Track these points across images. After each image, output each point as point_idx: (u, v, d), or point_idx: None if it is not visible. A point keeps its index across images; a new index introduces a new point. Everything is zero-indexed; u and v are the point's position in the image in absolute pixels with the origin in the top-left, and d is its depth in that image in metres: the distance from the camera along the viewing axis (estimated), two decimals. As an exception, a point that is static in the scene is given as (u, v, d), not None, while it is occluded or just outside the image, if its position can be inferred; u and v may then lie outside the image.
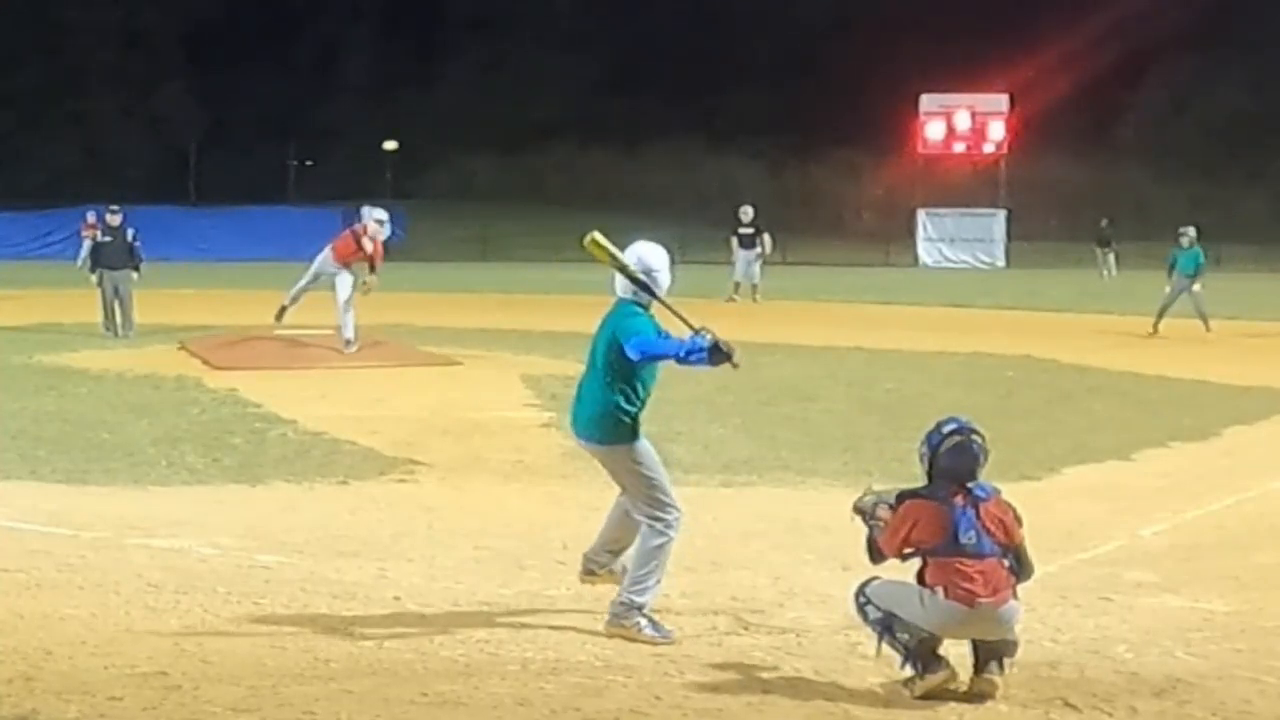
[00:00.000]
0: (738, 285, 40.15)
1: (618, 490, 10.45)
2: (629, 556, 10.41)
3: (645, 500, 10.21)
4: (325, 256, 26.28)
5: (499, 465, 15.85)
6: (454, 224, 64.45)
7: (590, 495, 12.60)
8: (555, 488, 14.77)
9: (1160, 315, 33.11)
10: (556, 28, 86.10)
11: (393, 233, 62.53)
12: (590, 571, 10.58)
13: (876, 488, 9.42)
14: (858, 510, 9.31)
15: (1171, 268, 34.19)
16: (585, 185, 72.18)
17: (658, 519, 10.08)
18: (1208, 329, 32.81)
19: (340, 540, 12.84)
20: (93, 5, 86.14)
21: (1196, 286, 33.25)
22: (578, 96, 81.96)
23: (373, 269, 26.10)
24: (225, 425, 18.54)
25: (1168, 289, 34.00)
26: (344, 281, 25.73)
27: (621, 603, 9.96)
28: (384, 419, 18.88)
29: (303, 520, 13.65)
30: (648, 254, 10.37)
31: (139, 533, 12.91)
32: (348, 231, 27.02)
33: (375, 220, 26.37)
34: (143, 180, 66.30)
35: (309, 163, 78.71)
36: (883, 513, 9.07)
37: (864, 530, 9.26)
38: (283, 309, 26.58)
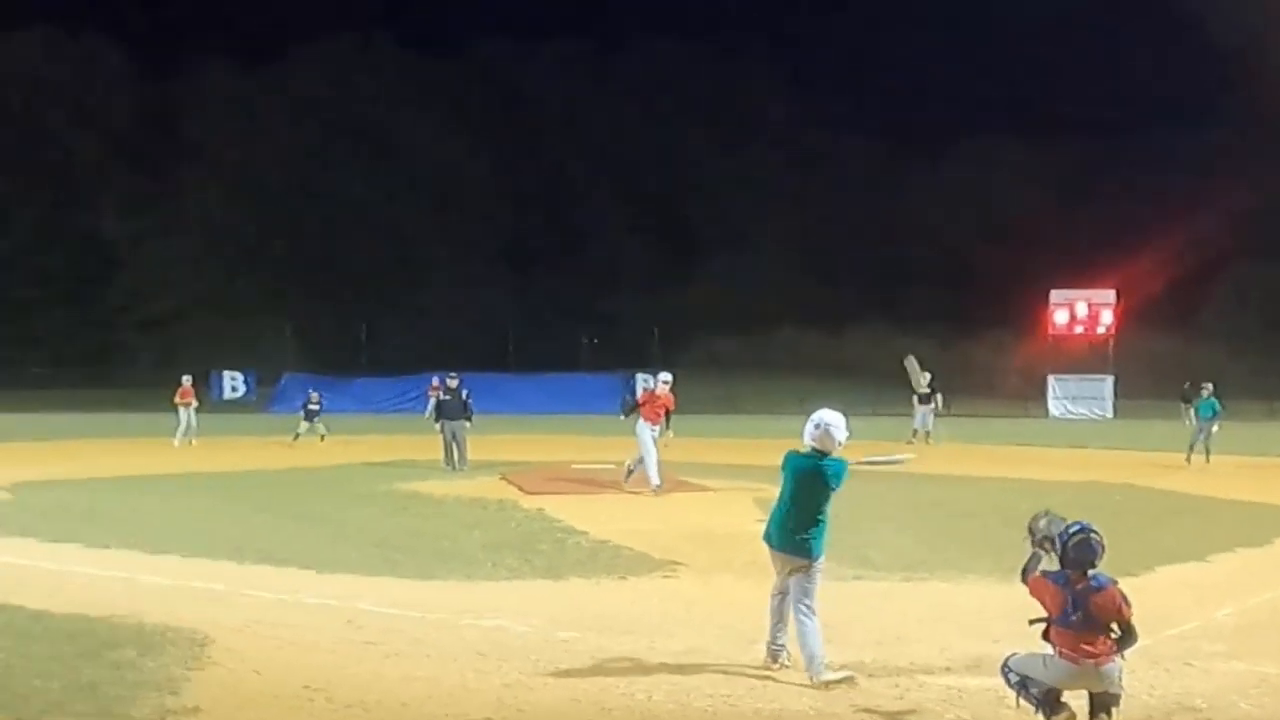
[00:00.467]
0: (915, 432, 40.08)
1: (775, 588, 11.01)
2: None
3: (813, 595, 10.64)
4: (641, 426, 25.18)
5: (738, 566, 15.58)
6: (705, 386, 64.53)
7: None
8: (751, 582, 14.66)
9: (1191, 449, 32.61)
10: (779, 241, 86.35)
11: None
12: (774, 656, 10.84)
13: (1045, 522, 9.37)
14: (1030, 529, 9.45)
15: (1196, 412, 34.11)
16: (802, 357, 72.10)
17: (812, 607, 10.57)
18: (1208, 460, 32.17)
19: (620, 621, 12.85)
20: (438, 223, 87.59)
21: (1215, 427, 32.67)
22: (796, 290, 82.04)
23: (668, 422, 25.66)
24: (535, 536, 18.53)
25: (1187, 423, 34.76)
26: (645, 435, 24.93)
27: (813, 664, 10.35)
28: (654, 531, 18.76)
29: (593, 606, 13.67)
30: (828, 415, 10.78)
31: (470, 615, 12.98)
32: (647, 394, 26.70)
33: (663, 381, 26.22)
34: (473, 353, 66.83)
35: (595, 340, 79.29)
36: (1042, 551, 9.24)
37: (1026, 553, 9.50)
38: (629, 472, 24.97)
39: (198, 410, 38.90)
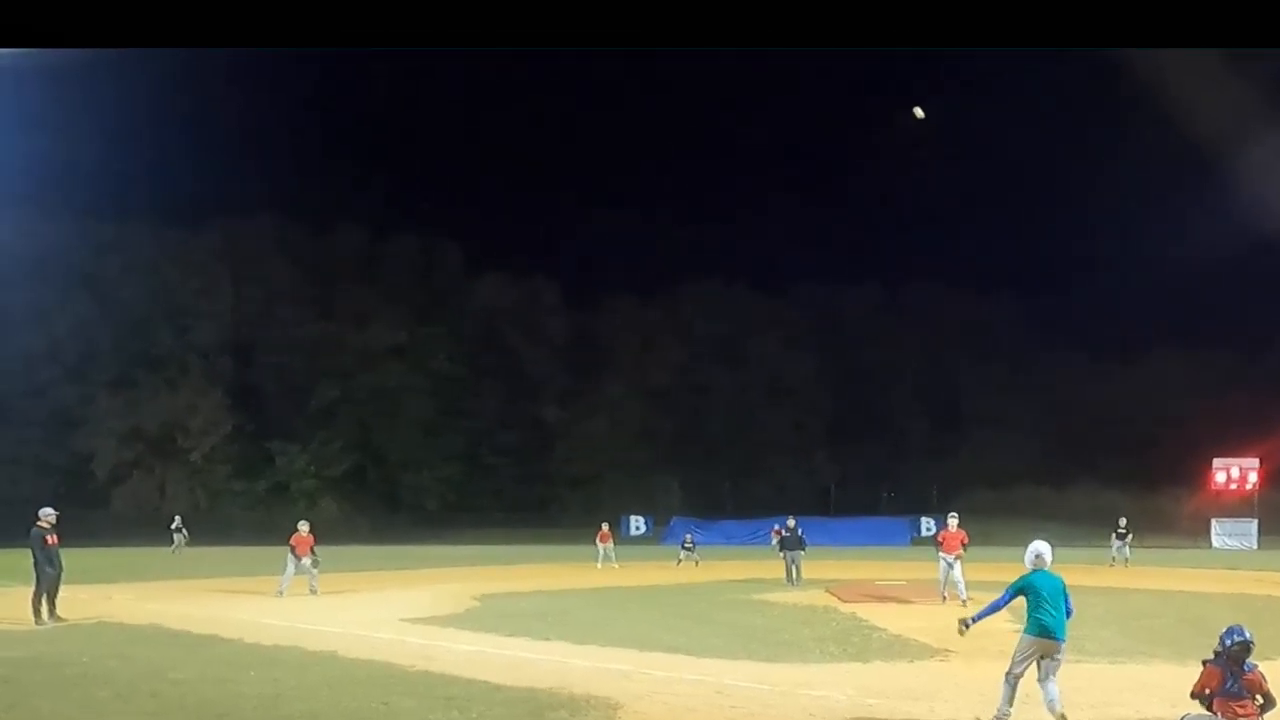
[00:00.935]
0: (1113, 559, 38.42)
1: (1013, 671, 11.25)
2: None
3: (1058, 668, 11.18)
4: (941, 556, 24.32)
5: (992, 652, 15.29)
6: (968, 526, 62.83)
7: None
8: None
9: None
10: (1022, 421, 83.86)
11: (937, 529, 60.97)
12: None
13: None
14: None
15: None
16: (1036, 505, 69.15)
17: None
18: None
19: (910, 691, 12.82)
20: (777, 410, 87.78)
21: None
22: (1032, 456, 79.30)
23: (964, 550, 24.49)
24: (850, 631, 18.44)
25: None
26: (941, 563, 24.19)
27: (1056, 706, 10.94)
28: (933, 628, 18.40)
29: (890, 681, 13.63)
30: (1040, 544, 11.54)
31: (804, 687, 13.02)
32: (943, 532, 25.25)
33: (950, 517, 25.72)
34: (804, 502, 66.56)
35: (892, 494, 78.14)
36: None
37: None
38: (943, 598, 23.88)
39: (614, 545, 39.59)
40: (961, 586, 23.50)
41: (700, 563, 38.70)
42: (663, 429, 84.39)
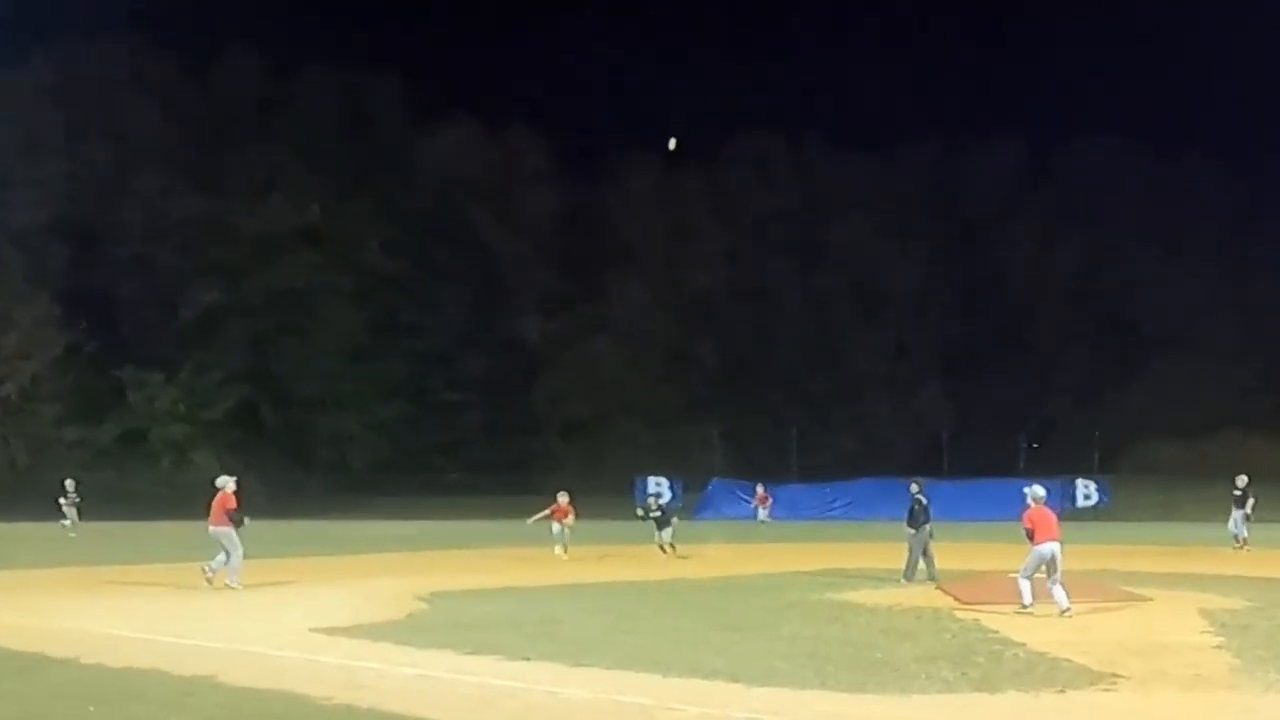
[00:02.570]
0: (1237, 539, 39.48)
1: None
2: None
3: None
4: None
5: (1180, 678, 15.40)
6: (1143, 493, 63.11)
7: (1252, 701, 12.39)
8: (1224, 696, 14.40)
9: None
10: (1220, 344, 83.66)
11: (1100, 498, 61.22)
12: None
13: None
14: None
15: None
16: (1245, 463, 69.60)
17: None
18: None
19: (1058, 735, 12.69)
20: (870, 326, 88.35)
21: None
22: (1237, 395, 79.36)
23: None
24: (971, 647, 18.43)
25: None
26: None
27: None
28: (1092, 642, 18.49)
29: (1027, 720, 13.52)
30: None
31: None
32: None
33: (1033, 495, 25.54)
34: (904, 460, 66.88)
35: (1035, 445, 78.18)
36: None
37: None
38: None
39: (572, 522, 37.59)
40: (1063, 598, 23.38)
41: (675, 547, 36.82)
42: (699, 353, 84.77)
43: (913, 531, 29.24)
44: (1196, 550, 39.92)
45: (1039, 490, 24.42)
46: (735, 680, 15.69)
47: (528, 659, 17.39)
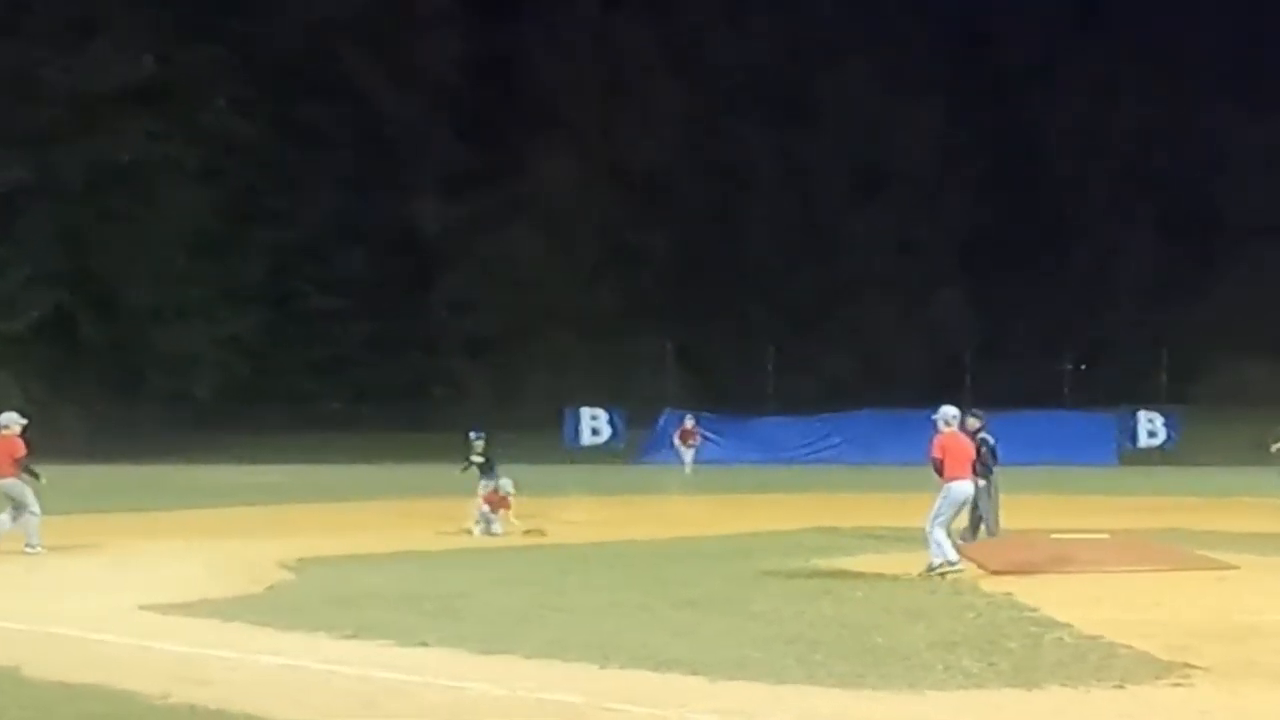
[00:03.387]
0: None
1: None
2: None
3: None
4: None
5: (1275, 670, 15.56)
6: (1228, 429, 63.39)
7: None
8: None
9: None
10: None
11: (1167, 435, 61.97)
12: None
13: None
14: None
15: None
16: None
17: None
18: None
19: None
20: (867, 213, 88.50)
21: None
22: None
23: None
24: (1000, 629, 18.54)
25: None
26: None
27: None
28: (1158, 623, 18.63)
29: (1086, 726, 13.62)
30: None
31: None
32: None
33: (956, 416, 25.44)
34: (916, 386, 67.17)
35: (1083, 367, 78.62)
36: None
37: None
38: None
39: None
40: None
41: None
42: (647, 245, 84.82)
43: (983, 483, 29.02)
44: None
45: (949, 410, 24.80)
46: (694, 672, 15.75)
47: (425, 644, 17.48)
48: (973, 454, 24.60)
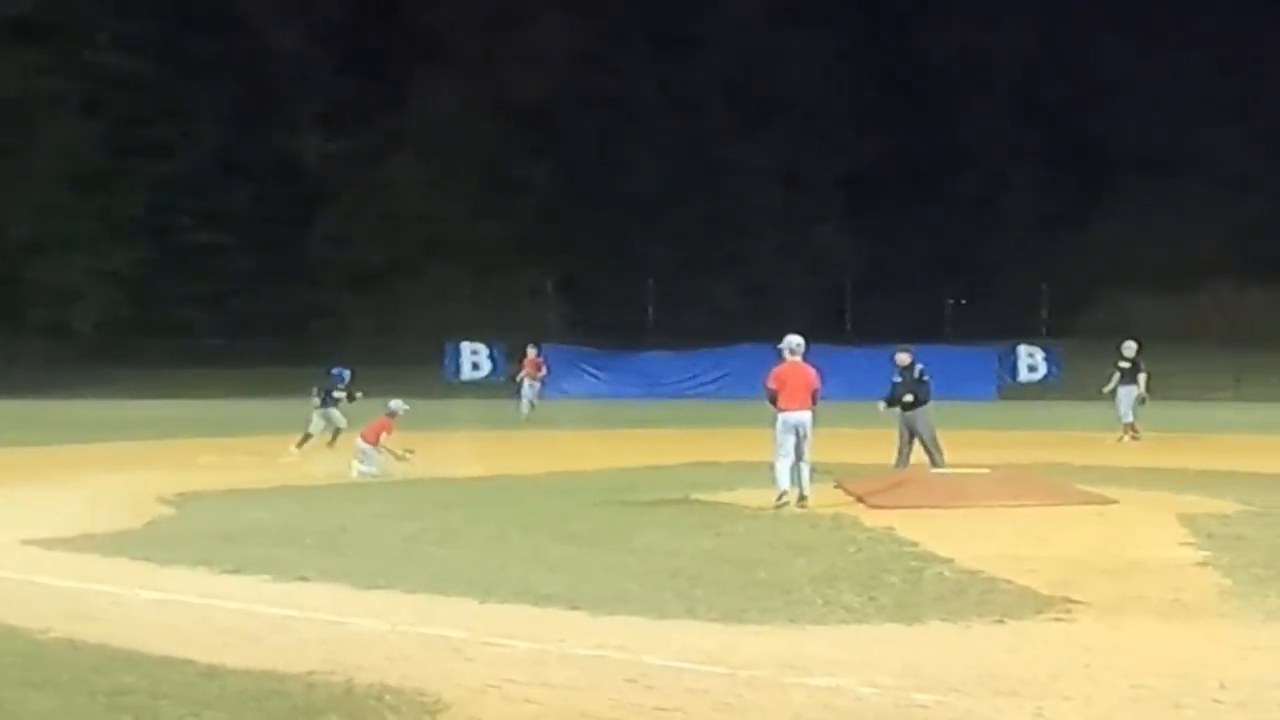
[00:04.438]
0: (1123, 430, 39.67)
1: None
2: None
3: None
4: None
5: (1156, 604, 15.65)
6: (1109, 363, 63.92)
7: (1249, 634, 12.81)
8: (1213, 626, 14.60)
9: None
10: (1217, 169, 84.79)
11: (1048, 370, 62.56)
12: None
13: None
14: None
15: None
16: (1242, 324, 70.84)
17: None
18: None
19: (996, 679, 12.79)
20: (752, 146, 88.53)
21: None
22: (1236, 236, 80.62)
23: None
24: (882, 564, 18.63)
25: None
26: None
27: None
28: (1040, 558, 18.72)
29: (959, 659, 13.62)
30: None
31: (795, 671, 13.01)
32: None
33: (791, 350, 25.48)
34: (800, 319, 67.30)
35: (963, 301, 79.06)
36: None
37: None
38: None
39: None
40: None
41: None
42: (529, 178, 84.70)
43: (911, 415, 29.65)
44: (1176, 437, 40.63)
45: (794, 339, 24.88)
46: (575, 607, 15.86)
47: (305, 579, 17.59)
48: (814, 385, 24.42)
